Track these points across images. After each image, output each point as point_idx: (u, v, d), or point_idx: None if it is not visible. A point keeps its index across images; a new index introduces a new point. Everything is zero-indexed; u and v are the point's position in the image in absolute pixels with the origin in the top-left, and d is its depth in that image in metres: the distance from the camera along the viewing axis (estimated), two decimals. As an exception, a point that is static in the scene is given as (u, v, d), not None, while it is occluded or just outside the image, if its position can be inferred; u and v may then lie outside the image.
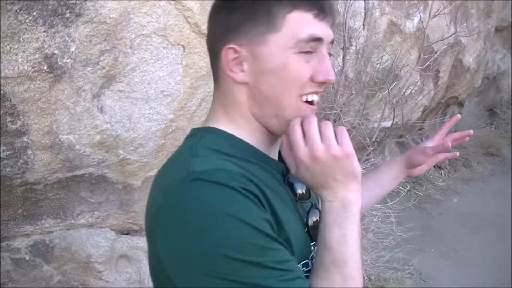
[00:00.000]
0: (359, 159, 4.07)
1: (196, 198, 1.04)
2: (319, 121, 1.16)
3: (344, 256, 1.08)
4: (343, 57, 3.54)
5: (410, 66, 4.46)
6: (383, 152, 5.36)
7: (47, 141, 2.55)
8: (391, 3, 4.17)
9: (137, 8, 2.60)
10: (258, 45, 1.18)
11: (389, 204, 4.16)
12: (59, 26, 2.36)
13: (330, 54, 1.23)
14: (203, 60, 2.97)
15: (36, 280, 2.90)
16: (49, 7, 2.31)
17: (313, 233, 1.25)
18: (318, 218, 1.25)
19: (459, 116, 1.77)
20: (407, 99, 4.71)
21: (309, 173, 1.13)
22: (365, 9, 3.98)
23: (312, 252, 1.23)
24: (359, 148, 4.06)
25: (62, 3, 2.33)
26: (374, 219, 4.05)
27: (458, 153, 1.76)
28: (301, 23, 1.16)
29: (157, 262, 1.09)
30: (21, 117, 2.42)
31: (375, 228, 4.06)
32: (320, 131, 1.12)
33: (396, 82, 4.05)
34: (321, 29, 1.18)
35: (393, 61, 4.11)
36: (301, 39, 1.16)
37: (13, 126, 2.43)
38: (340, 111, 3.51)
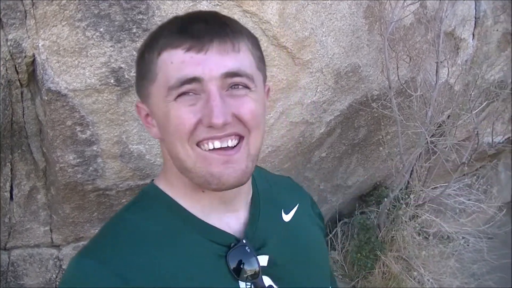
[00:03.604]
0: (448, 182, 3.82)
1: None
2: None
3: None
4: (436, 72, 3.29)
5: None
6: (496, 167, 4.97)
7: (117, 151, 2.63)
8: (507, 10, 3.82)
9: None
10: (147, 99, 1.12)
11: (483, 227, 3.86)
12: (125, 41, 2.41)
13: (245, 86, 1.07)
14: (283, 73, 2.90)
15: (108, 280, 3.02)
16: (116, 23, 2.36)
17: None
18: None
19: None
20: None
21: None
22: (475, 18, 3.69)
23: None
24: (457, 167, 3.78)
25: (128, 19, 2.38)
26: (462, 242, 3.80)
27: None
28: (171, 66, 1.04)
29: None
30: (90, 127, 2.51)
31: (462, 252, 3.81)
32: None
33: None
34: (196, 65, 1.03)
35: (506, 74, 3.79)
36: (171, 85, 1.03)
37: (83, 136, 2.52)
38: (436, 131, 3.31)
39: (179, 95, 1.04)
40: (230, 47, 1.05)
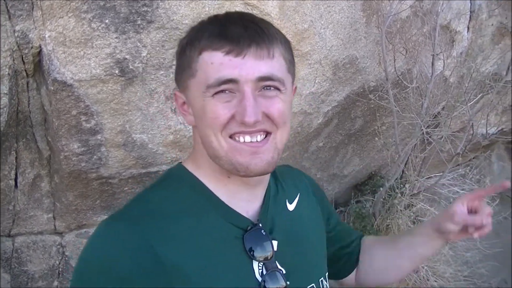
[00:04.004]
0: (442, 172, 3.91)
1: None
2: None
3: None
4: (432, 64, 3.36)
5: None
6: (490, 158, 5.05)
7: (120, 140, 2.68)
8: (502, 3, 3.89)
9: (212, 14, 2.62)
10: (186, 90, 1.22)
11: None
12: (130, 32, 2.45)
13: (276, 88, 1.17)
14: (282, 65, 2.95)
15: (110, 266, 3.09)
16: (121, 15, 2.41)
17: None
18: (279, 282, 1.24)
19: (509, 184, 1.49)
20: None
21: None
22: (470, 12, 3.75)
23: None
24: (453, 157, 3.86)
25: (133, 11, 2.42)
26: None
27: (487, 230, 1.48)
28: (210, 66, 1.14)
29: None
30: (95, 116, 2.56)
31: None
32: None
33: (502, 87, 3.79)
34: (234, 67, 1.13)
35: (500, 66, 3.87)
36: (210, 84, 1.13)
37: (88, 125, 2.58)
38: (429, 124, 3.39)
39: (216, 93, 1.14)
40: (266, 53, 1.15)
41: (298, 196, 1.47)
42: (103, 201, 2.95)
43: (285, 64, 1.22)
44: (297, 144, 3.47)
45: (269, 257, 1.24)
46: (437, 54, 3.27)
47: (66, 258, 3.09)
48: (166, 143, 2.81)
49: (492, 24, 3.93)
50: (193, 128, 1.29)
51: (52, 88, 2.42)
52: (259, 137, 1.18)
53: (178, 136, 2.81)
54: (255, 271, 1.22)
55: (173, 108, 2.75)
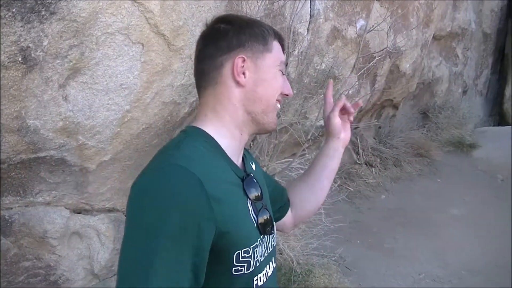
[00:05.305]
0: (294, 154, 4.49)
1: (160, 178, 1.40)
2: None
3: None
4: (286, 62, 3.89)
5: (349, 69, 4.82)
6: (319, 148, 5.73)
7: (16, 125, 2.79)
8: (336, 10, 4.56)
9: (105, 9, 2.86)
10: (259, 59, 1.61)
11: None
12: (34, 22, 2.60)
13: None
14: (159, 58, 3.25)
15: (-6, 252, 3.14)
16: (27, 5, 2.54)
17: (262, 228, 1.60)
18: (267, 217, 1.64)
19: (331, 81, 2.21)
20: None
21: None
22: (310, 15, 4.36)
23: (256, 243, 1.56)
24: (296, 145, 4.43)
25: (39, 2, 2.57)
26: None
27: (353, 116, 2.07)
28: (279, 50, 1.65)
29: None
30: (-7, 102, 2.65)
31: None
32: None
33: (331, 84, 4.42)
34: (284, 56, 1.66)
35: (333, 65, 4.51)
36: (282, 61, 1.63)
37: (-14, 110, 2.66)
38: (280, 110, 3.89)
39: (280, 70, 1.64)
40: None
41: (254, 163, 1.86)
42: (-12, 187, 3.01)
43: None
44: (166, 132, 3.76)
45: (258, 199, 1.63)
46: (290, 52, 3.79)
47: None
48: (56, 129, 2.96)
49: (328, 28, 4.58)
50: (231, 89, 1.61)
51: (-44, 73, 2.48)
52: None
53: (67, 122, 2.98)
54: (250, 209, 1.59)
55: (64, 96, 2.92)
